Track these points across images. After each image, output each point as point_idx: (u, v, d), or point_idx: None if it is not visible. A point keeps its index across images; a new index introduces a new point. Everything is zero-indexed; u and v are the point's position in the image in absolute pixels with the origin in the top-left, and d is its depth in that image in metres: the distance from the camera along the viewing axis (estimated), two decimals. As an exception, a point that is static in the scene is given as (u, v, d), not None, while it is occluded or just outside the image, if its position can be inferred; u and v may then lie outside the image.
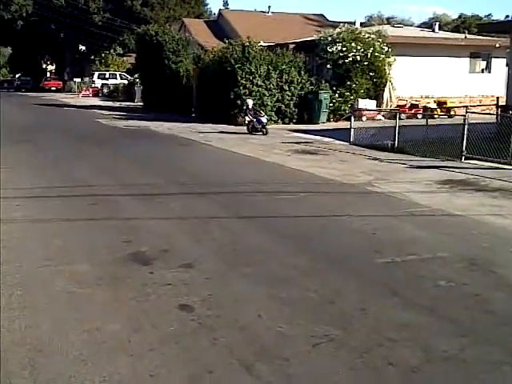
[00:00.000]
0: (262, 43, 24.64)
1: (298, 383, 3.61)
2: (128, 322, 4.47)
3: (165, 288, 5.17)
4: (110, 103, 37.83)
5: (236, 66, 21.78)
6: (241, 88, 21.76)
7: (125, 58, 63.04)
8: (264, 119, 18.94)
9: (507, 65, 19.78)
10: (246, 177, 11.21)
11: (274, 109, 22.64)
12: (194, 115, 26.54)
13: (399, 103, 25.05)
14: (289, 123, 22.84)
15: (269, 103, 22.34)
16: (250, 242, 6.76)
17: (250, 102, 19.58)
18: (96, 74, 52.25)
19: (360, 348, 4.06)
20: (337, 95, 23.66)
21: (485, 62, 28.26)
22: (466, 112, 13.47)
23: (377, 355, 3.97)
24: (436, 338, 4.22)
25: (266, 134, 18.52)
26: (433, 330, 4.37)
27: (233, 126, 21.52)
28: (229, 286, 5.28)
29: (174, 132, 19.97)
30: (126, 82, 45.54)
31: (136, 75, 39.22)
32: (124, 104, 36.85)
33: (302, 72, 23.21)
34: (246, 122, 19.20)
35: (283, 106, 22.76)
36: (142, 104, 34.39)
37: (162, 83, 29.39)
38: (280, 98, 22.63)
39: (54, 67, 71.79)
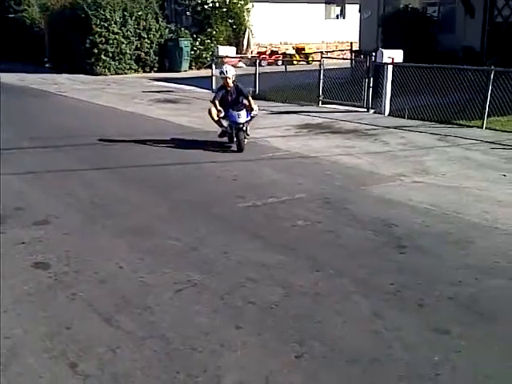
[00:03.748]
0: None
1: (160, 329, 3.61)
2: (-22, 286, 4.22)
3: (18, 247, 4.93)
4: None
5: (90, 13, 20.67)
6: (96, 36, 20.77)
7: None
8: (242, 116, 9.00)
9: (360, 11, 20.54)
10: (104, 128, 10.83)
11: (134, 57, 21.98)
12: (48, 65, 25.01)
13: (260, 50, 25.24)
14: (150, 72, 22.30)
15: (127, 51, 21.63)
16: (109, 194, 6.59)
17: (230, 72, 9.50)
18: None
19: (222, 290, 4.14)
20: (197, 43, 23.39)
21: (339, 8, 29.16)
22: (322, 57, 13.87)
23: (238, 296, 4.08)
24: (293, 275, 4.41)
25: (240, 149, 8.85)
26: (291, 268, 4.56)
27: (90, 76, 20.66)
28: (88, 240, 5.13)
29: (25, 83, 18.73)
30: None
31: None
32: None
33: (160, 19, 22.60)
34: (216, 119, 9.21)
35: (143, 54, 22.13)
36: (-13, 54, 31.85)
37: (8, 32, 27.36)
38: (139, 45, 21.96)
39: None
